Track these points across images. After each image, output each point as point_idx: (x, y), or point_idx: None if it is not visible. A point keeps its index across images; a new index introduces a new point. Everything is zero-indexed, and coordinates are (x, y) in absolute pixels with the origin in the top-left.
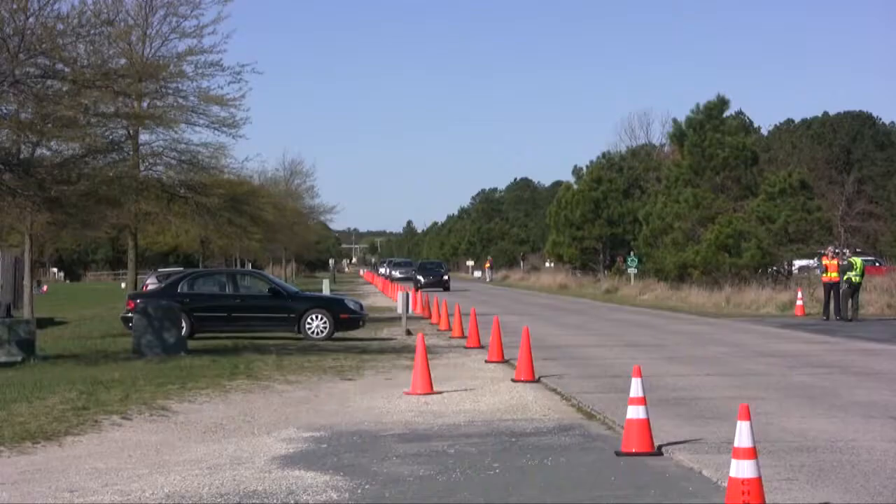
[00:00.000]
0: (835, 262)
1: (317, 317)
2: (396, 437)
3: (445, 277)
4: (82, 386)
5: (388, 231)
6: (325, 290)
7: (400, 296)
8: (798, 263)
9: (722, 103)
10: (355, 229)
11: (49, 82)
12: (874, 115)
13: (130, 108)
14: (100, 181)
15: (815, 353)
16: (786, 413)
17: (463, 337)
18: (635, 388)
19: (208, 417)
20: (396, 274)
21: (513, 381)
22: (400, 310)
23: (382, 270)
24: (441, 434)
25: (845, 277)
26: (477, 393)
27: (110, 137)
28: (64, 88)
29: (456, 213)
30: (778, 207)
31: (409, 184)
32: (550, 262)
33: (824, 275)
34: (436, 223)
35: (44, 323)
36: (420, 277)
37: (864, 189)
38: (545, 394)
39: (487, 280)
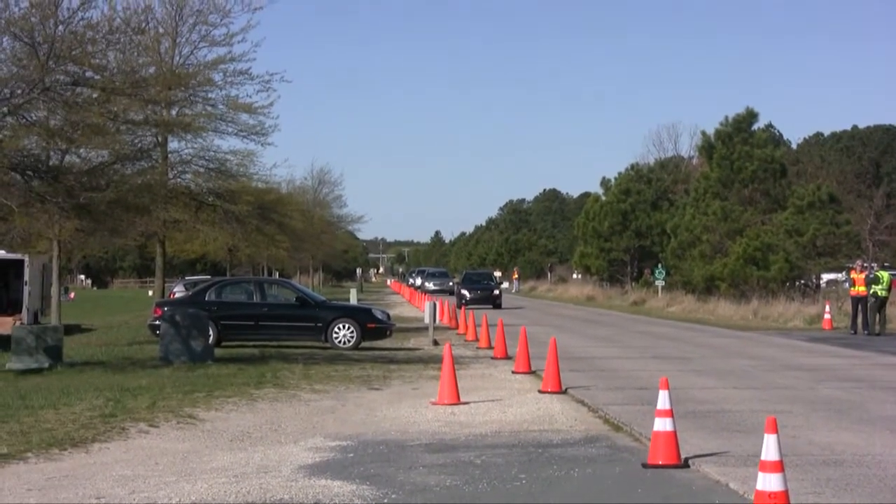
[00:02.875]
0: (862, 275)
1: (344, 326)
2: (423, 447)
3: (496, 292)
4: (109, 393)
5: (415, 241)
6: (353, 299)
7: (427, 306)
8: (826, 277)
9: (751, 116)
10: (383, 239)
11: (79, 90)
12: None
13: (159, 116)
14: (128, 188)
15: (843, 366)
16: (813, 427)
17: (490, 347)
18: (662, 401)
19: (235, 426)
20: (430, 286)
21: (540, 392)
22: (427, 320)
23: (413, 281)
24: (467, 444)
25: (872, 291)
26: (504, 404)
27: (139, 145)
28: (94, 96)
29: (484, 223)
30: (806, 221)
31: (438, 194)
32: (578, 273)
33: (852, 288)
34: (464, 233)
35: (71, 330)
36: (465, 291)
37: (894, 203)
38: (572, 405)
39: (514, 291)
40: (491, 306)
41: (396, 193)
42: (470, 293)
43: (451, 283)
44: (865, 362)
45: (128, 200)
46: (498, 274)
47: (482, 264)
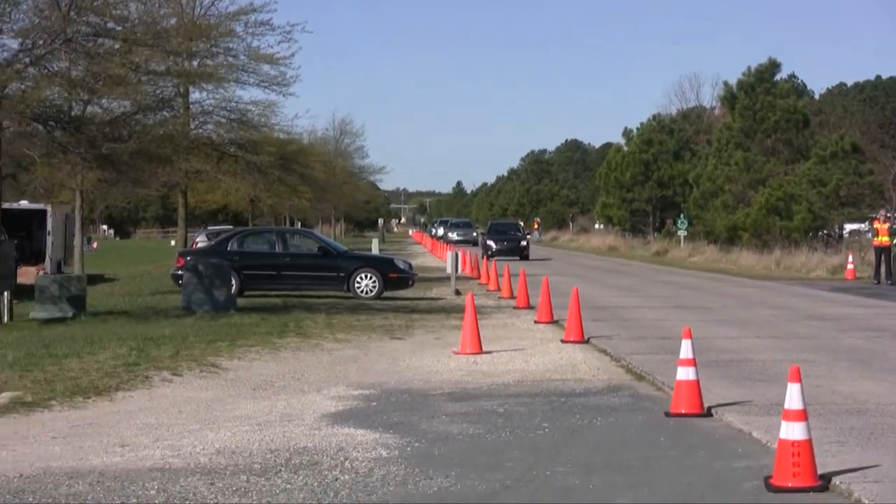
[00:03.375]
0: (886, 225)
1: (366, 276)
2: (445, 396)
3: (524, 243)
4: (133, 342)
5: (437, 191)
6: (375, 249)
7: (449, 256)
8: (849, 227)
9: (773, 66)
10: (404, 189)
11: (100, 41)
12: None
13: (181, 67)
14: (150, 139)
15: (866, 316)
16: (835, 376)
17: (512, 297)
18: (685, 350)
19: (258, 374)
20: (454, 236)
21: (562, 341)
22: (449, 270)
23: (435, 232)
24: (490, 393)
25: (895, 241)
26: (526, 353)
27: (161, 95)
28: (115, 46)
29: (505, 173)
30: (829, 171)
31: (459, 145)
32: (600, 223)
33: (875, 238)
34: (485, 184)
35: (94, 279)
36: (491, 242)
37: None
38: (594, 354)
39: (535, 241)
40: (518, 258)
41: (418, 144)
42: (496, 244)
43: (475, 234)
44: (888, 312)
45: (150, 151)
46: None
47: (504, 215)
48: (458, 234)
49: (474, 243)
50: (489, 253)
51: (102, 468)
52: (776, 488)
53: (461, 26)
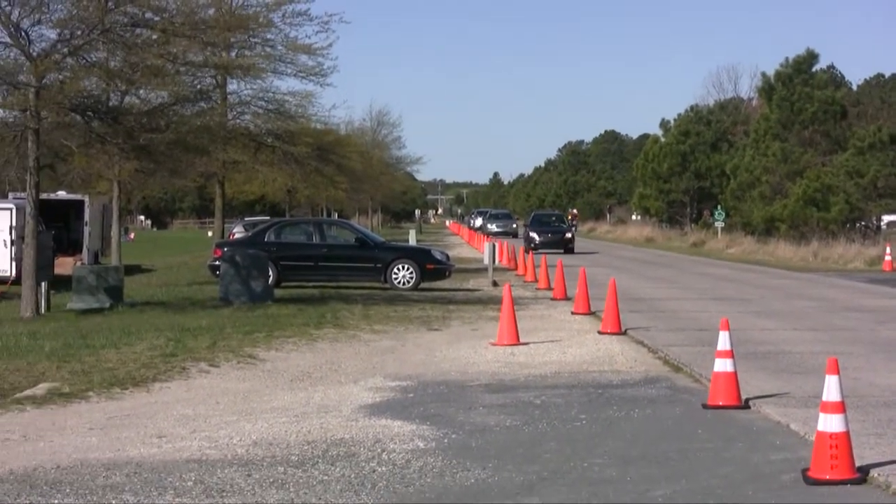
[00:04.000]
0: None
1: (403, 267)
2: (483, 388)
3: (568, 235)
4: (170, 333)
5: (474, 182)
6: (412, 240)
7: (487, 247)
8: (887, 218)
9: (811, 57)
10: (441, 180)
11: (138, 31)
12: None
13: (219, 58)
14: (187, 129)
15: None
16: (874, 368)
17: (549, 289)
18: (723, 342)
19: (295, 366)
20: (493, 228)
21: (599, 332)
22: (486, 261)
23: (473, 223)
24: (527, 385)
25: None
26: (563, 344)
27: (198, 86)
28: (153, 37)
29: (542, 164)
30: (867, 162)
31: (497, 136)
32: (637, 214)
33: None
34: (522, 175)
35: (131, 270)
36: (534, 234)
37: None
38: (632, 346)
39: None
40: (562, 250)
41: (455, 135)
42: (540, 236)
43: (514, 226)
44: None
45: (187, 141)
46: None
47: (541, 205)
48: (497, 226)
49: (514, 235)
50: (532, 245)
51: (139, 459)
52: (814, 481)
53: (499, 16)
